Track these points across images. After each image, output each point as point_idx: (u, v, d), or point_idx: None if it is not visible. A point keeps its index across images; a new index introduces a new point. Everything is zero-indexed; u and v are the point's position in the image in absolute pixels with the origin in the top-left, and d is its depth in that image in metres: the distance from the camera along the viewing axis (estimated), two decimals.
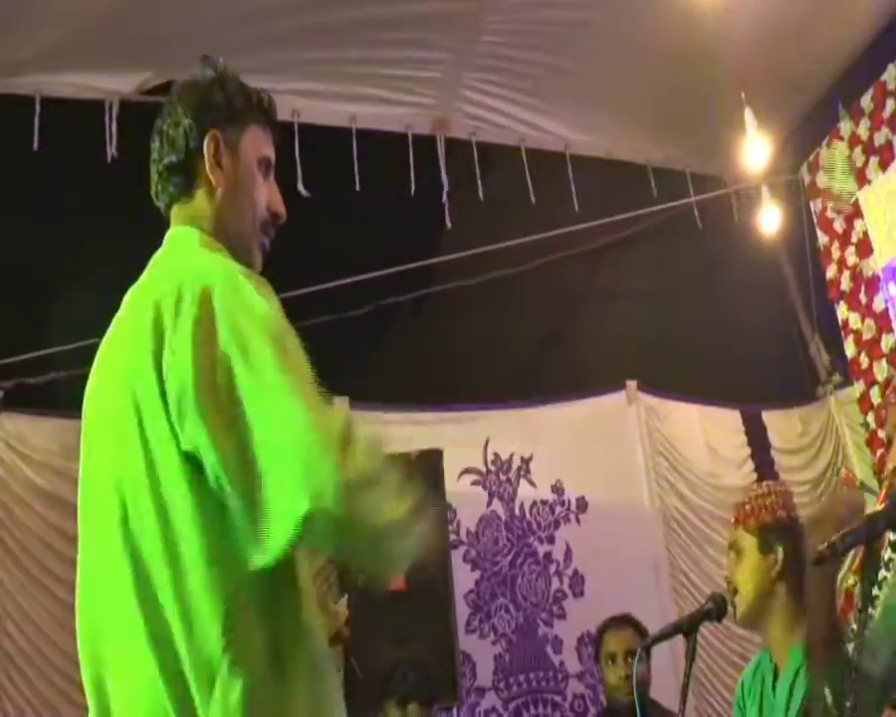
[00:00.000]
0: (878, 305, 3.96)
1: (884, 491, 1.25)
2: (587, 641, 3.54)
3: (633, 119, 4.16)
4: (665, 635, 1.76)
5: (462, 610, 3.46)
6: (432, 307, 3.98)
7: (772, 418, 4.37)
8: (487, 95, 3.96)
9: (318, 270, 3.48)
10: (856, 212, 4.06)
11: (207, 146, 1.15)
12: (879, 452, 3.80)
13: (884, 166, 3.85)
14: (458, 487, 3.60)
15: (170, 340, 0.97)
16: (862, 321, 4.07)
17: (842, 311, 4.23)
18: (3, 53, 3.18)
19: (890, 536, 1.34)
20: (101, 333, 1.16)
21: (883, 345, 3.93)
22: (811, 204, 4.42)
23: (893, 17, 3.80)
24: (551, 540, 3.82)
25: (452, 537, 3.51)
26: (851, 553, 1.16)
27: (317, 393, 0.96)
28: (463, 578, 3.54)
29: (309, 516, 0.87)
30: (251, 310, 0.97)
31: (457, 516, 3.65)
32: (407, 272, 3.73)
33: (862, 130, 4.00)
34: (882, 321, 3.94)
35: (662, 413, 4.13)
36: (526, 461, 3.88)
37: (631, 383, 4.08)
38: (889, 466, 1.37)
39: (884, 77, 3.86)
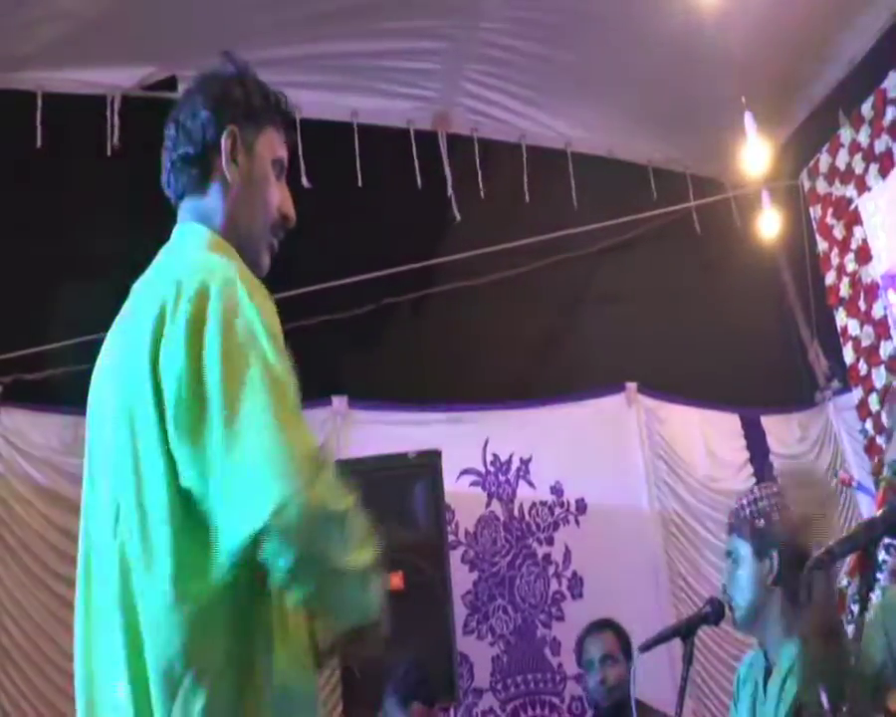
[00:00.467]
0: (877, 312, 3.97)
1: (881, 495, 1.26)
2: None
3: (635, 120, 4.17)
4: (663, 638, 1.77)
5: (460, 611, 3.46)
6: (432, 307, 3.98)
7: (770, 423, 4.38)
8: (488, 88, 3.95)
9: (319, 268, 3.48)
10: (856, 219, 4.07)
11: (225, 142, 1.14)
12: (877, 458, 3.81)
13: (884, 174, 3.86)
14: (457, 488, 3.60)
15: (165, 344, 0.96)
16: (861, 327, 4.08)
17: (841, 317, 4.23)
18: (4, 48, 3.18)
19: (885, 539, 1.35)
20: (100, 328, 1.16)
21: (882, 351, 3.93)
22: (811, 210, 4.43)
23: (894, 24, 3.81)
24: (549, 541, 3.82)
25: (451, 537, 3.51)
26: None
27: (296, 412, 0.95)
28: (461, 578, 3.54)
29: (267, 526, 0.86)
30: (242, 316, 0.96)
31: (455, 516, 3.65)
32: (407, 272, 3.73)
33: (863, 137, 4.01)
34: (881, 328, 3.95)
35: (662, 416, 4.14)
36: (525, 462, 3.88)
37: (631, 386, 4.08)
38: (888, 457, 1.37)
39: (885, 84, 3.86)
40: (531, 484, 3.87)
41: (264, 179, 1.18)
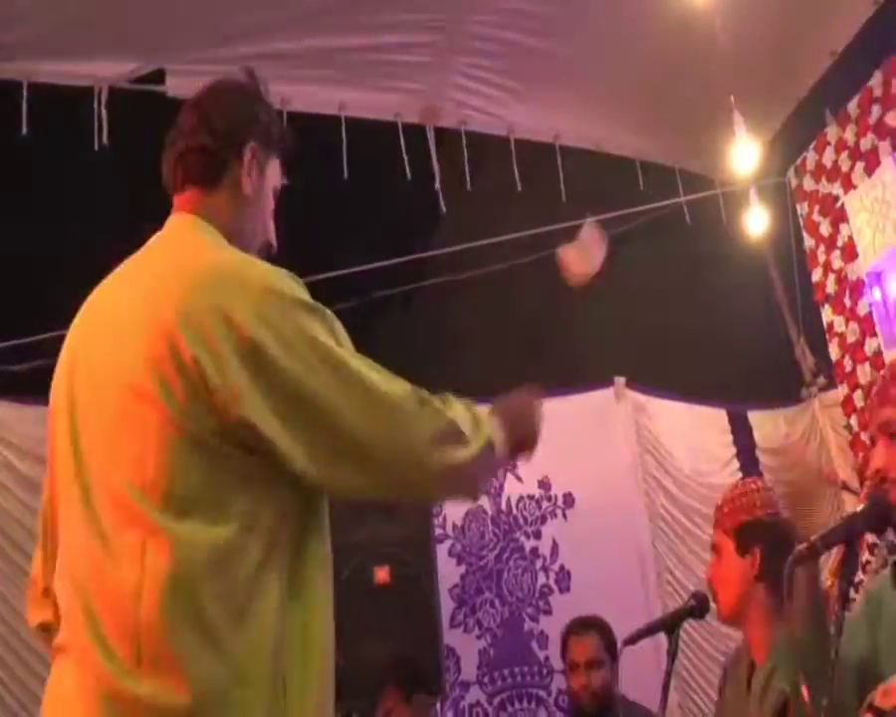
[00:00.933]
0: (862, 309, 4.00)
1: (864, 491, 1.27)
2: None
3: (623, 115, 4.17)
4: (648, 632, 1.78)
5: (447, 605, 3.47)
6: (420, 301, 3.98)
7: (757, 418, 4.41)
8: (477, 80, 3.94)
9: (306, 261, 3.46)
10: (842, 216, 4.10)
11: (247, 154, 1.19)
12: (861, 454, 3.84)
13: (870, 172, 3.89)
14: None
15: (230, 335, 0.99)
16: (846, 324, 4.11)
17: (827, 314, 4.27)
18: None
19: (868, 538, 1.36)
20: None
21: (867, 348, 3.97)
22: (798, 207, 4.46)
23: (880, 23, 3.83)
24: (537, 535, 3.84)
25: (438, 531, 3.52)
26: (829, 553, 1.18)
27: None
28: (448, 572, 3.55)
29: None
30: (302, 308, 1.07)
31: (443, 510, 3.66)
32: (395, 266, 3.73)
33: (849, 135, 4.04)
34: (866, 324, 3.98)
35: (650, 411, 4.16)
36: None
37: (619, 380, 4.09)
38: (873, 466, 1.39)
39: (871, 82, 3.89)
40: (518, 478, 3.88)
41: (267, 202, 1.24)
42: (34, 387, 3.16)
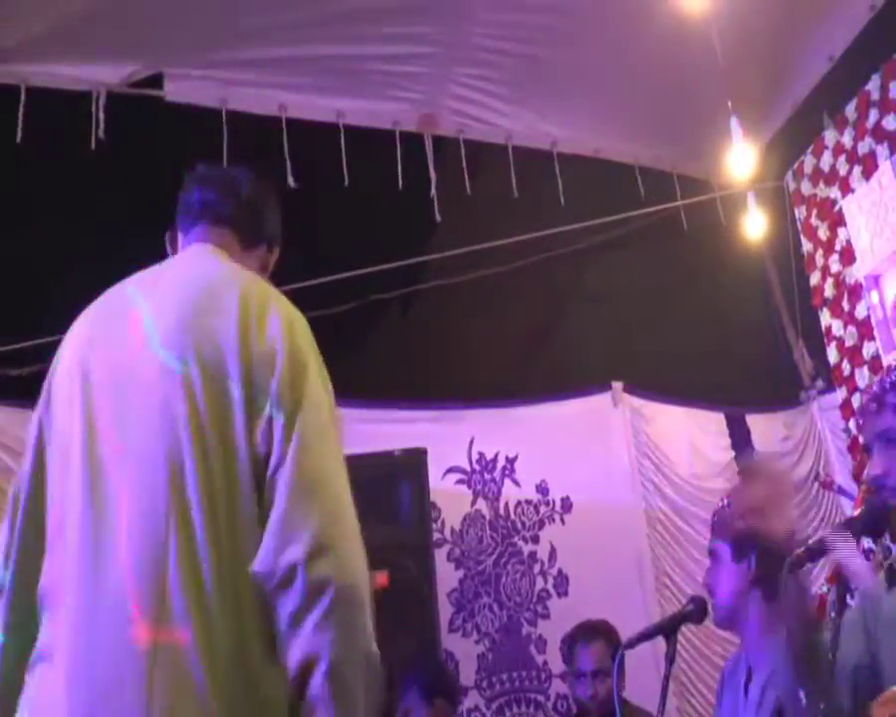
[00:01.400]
0: (860, 312, 4.00)
1: (860, 496, 1.27)
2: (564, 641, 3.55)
3: (621, 120, 4.18)
4: (646, 636, 1.78)
5: (445, 609, 3.47)
6: (418, 305, 3.98)
7: (755, 422, 4.41)
8: (474, 90, 3.95)
9: (304, 266, 3.47)
10: (840, 220, 4.11)
11: (266, 254, 1.37)
12: (859, 458, 3.84)
13: (867, 176, 3.89)
14: (442, 486, 3.60)
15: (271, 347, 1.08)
16: (845, 328, 4.11)
17: (825, 317, 4.27)
18: None
19: (864, 544, 1.36)
20: None
21: (865, 352, 3.97)
22: (796, 211, 4.46)
23: (877, 27, 3.84)
24: (535, 539, 3.83)
25: (436, 535, 3.52)
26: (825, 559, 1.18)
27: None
28: (447, 576, 3.54)
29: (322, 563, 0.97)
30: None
31: (441, 514, 3.65)
32: (393, 269, 3.73)
33: (846, 139, 4.04)
34: (864, 328, 3.98)
35: (647, 415, 4.16)
36: (511, 461, 3.89)
37: (617, 385, 4.10)
38: (869, 475, 1.39)
39: (868, 86, 3.90)
40: (516, 482, 3.88)
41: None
42: (34, 391, 3.15)
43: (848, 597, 1.15)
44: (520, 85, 3.95)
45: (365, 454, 3.07)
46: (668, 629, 1.74)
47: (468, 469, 3.82)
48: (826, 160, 4.20)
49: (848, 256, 4.07)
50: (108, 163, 3.20)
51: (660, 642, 1.76)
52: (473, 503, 3.79)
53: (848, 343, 4.08)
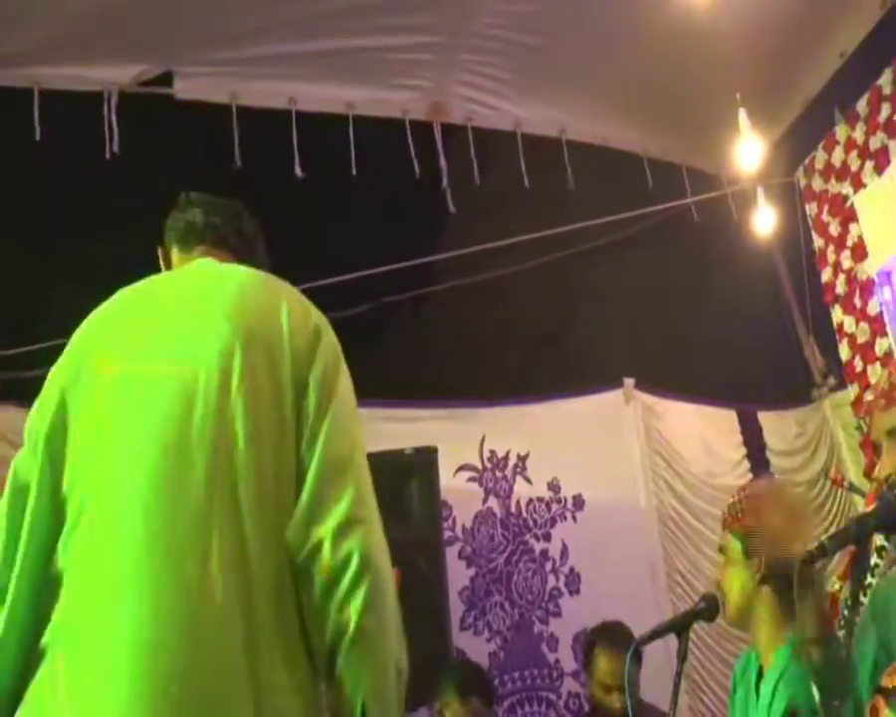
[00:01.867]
0: (872, 308, 3.98)
1: (872, 493, 1.26)
2: (583, 639, 3.55)
3: (630, 112, 4.17)
4: (658, 634, 1.78)
5: (457, 607, 3.47)
6: (430, 304, 3.98)
7: (767, 419, 4.39)
8: (483, 77, 3.94)
9: (315, 264, 3.48)
10: (851, 216, 4.08)
11: None
12: (871, 455, 3.82)
13: (879, 171, 3.87)
14: (454, 484, 3.61)
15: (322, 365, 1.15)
16: (856, 324, 4.09)
17: (837, 314, 4.25)
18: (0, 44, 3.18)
19: (877, 541, 1.36)
20: None
21: (877, 348, 3.95)
22: (807, 207, 4.44)
23: (889, 23, 3.81)
24: (547, 537, 3.83)
25: (447, 533, 3.52)
26: (838, 556, 1.17)
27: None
28: (458, 574, 3.55)
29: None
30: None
31: (452, 512, 3.66)
32: (405, 269, 3.73)
33: (858, 134, 4.02)
34: (876, 324, 3.96)
35: (659, 412, 4.15)
36: (522, 458, 3.89)
37: (629, 381, 4.09)
38: (881, 473, 1.38)
39: (880, 81, 3.87)
40: (528, 480, 3.88)
41: None
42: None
43: (861, 593, 1.15)
44: (528, 73, 3.94)
45: (377, 452, 3.07)
46: (680, 627, 1.73)
47: (479, 467, 3.82)
48: (838, 156, 4.18)
49: (860, 252, 4.05)
50: (121, 166, 3.22)
51: (672, 640, 1.76)
52: (484, 501, 3.80)
53: (860, 339, 4.06)
